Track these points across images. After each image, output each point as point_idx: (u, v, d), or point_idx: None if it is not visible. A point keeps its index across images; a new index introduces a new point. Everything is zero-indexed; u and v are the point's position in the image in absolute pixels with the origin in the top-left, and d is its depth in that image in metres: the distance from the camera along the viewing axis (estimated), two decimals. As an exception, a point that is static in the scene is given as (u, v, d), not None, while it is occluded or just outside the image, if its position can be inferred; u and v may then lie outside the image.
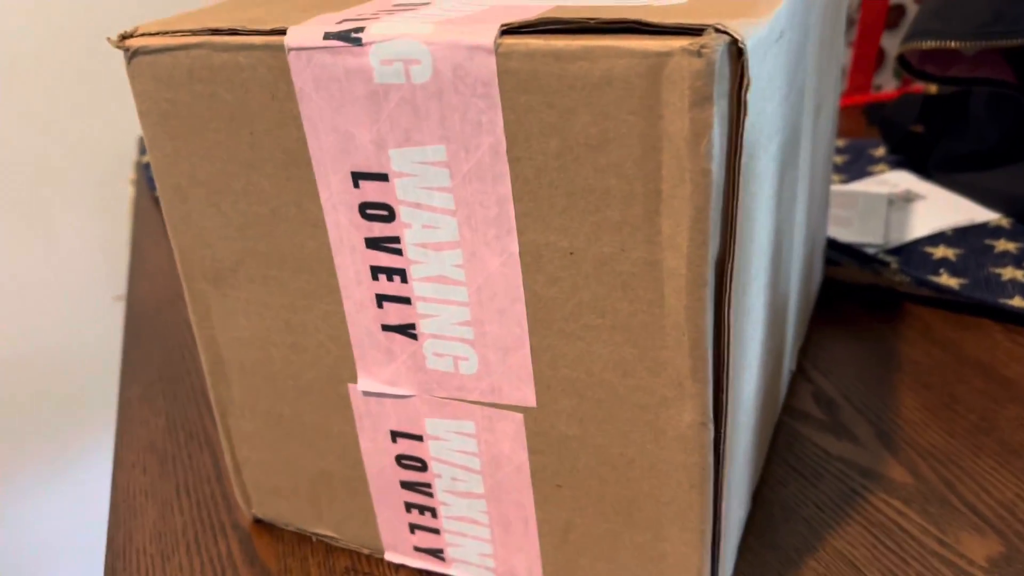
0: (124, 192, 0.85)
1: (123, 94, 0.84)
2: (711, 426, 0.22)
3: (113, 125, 0.84)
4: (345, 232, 0.24)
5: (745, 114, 0.19)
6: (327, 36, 0.21)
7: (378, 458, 0.28)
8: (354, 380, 0.27)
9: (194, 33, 0.23)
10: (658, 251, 0.20)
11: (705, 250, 0.20)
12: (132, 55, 0.24)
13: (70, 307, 0.88)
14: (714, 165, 0.19)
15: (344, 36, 0.21)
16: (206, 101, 0.24)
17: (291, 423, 0.29)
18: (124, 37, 0.24)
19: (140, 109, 0.25)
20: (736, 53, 0.18)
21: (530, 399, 0.24)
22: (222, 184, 0.25)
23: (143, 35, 0.24)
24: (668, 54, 0.18)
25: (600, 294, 0.22)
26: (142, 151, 0.75)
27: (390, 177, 0.23)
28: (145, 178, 0.69)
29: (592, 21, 0.19)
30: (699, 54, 0.18)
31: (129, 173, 0.85)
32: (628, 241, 0.21)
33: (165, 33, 0.24)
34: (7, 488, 0.91)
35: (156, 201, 0.65)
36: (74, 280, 0.87)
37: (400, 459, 0.27)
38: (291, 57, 0.22)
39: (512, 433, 0.25)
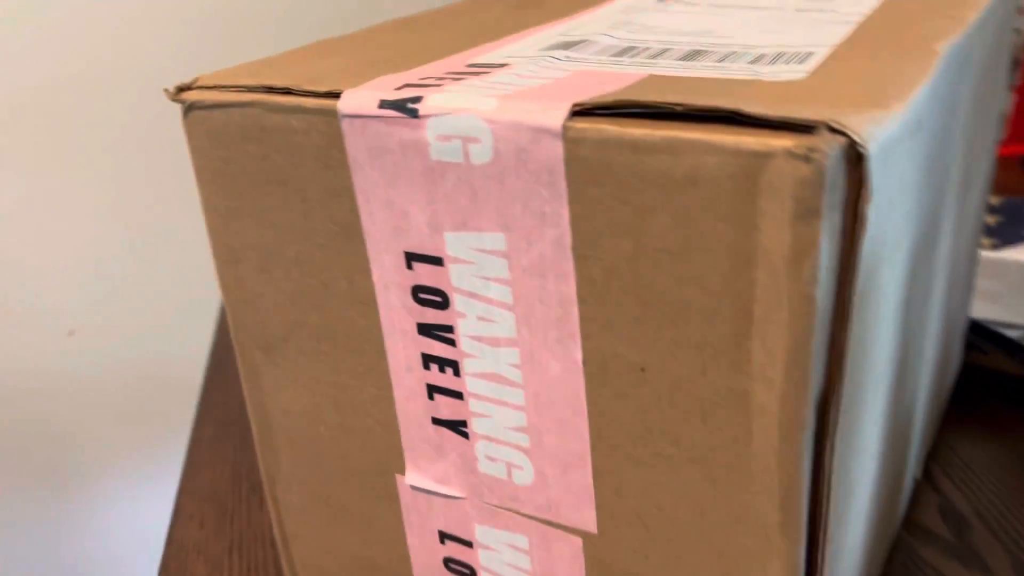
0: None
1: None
2: (802, 585, 0.18)
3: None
4: (397, 315, 0.22)
5: (863, 229, 0.15)
6: (383, 104, 0.19)
7: (425, 557, 0.25)
8: (402, 471, 0.24)
9: (248, 90, 0.21)
10: (746, 381, 0.17)
11: (804, 388, 0.16)
12: (187, 109, 0.22)
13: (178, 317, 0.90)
14: (819, 291, 0.15)
15: (400, 106, 0.19)
16: (258, 163, 0.22)
17: (338, 505, 0.26)
18: (181, 89, 0.23)
19: (195, 165, 0.23)
20: (855, 158, 0.15)
21: (590, 524, 0.21)
22: (275, 250, 0.23)
23: (200, 88, 0.22)
24: (768, 155, 0.15)
25: (675, 420, 0.18)
26: None
27: (445, 262, 0.20)
28: None
29: (679, 107, 0.16)
30: (807, 159, 0.14)
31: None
32: (710, 364, 0.17)
33: (221, 88, 0.22)
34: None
35: None
36: (184, 295, 0.89)
37: (448, 562, 0.25)
38: (345, 124, 0.20)
39: (569, 557, 0.22)
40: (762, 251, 0.16)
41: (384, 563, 0.26)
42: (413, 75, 0.21)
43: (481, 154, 0.18)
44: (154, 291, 0.87)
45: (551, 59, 0.21)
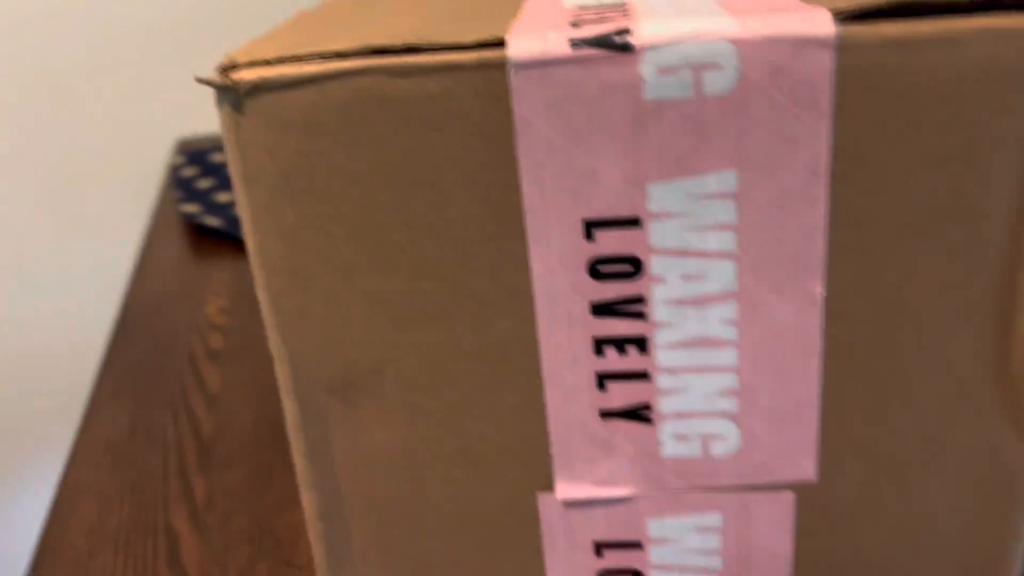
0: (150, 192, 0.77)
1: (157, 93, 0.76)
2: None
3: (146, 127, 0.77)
4: (562, 299, 0.19)
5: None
6: (577, 43, 0.16)
7: (571, 580, 0.22)
8: (548, 488, 0.21)
9: (355, 55, 0.17)
10: (1017, 279, 0.17)
11: (1078, 261, 0.17)
12: (244, 94, 0.17)
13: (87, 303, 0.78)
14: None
15: (604, 42, 0.16)
16: (366, 149, 0.17)
17: (441, 563, 0.22)
18: (227, 68, 0.17)
19: (246, 170, 0.18)
20: None
21: (809, 472, 0.20)
22: (376, 261, 0.18)
23: (259, 64, 0.17)
24: (1078, 28, 0.15)
25: (932, 332, 0.18)
26: (177, 151, 0.69)
27: (643, 221, 0.18)
28: (174, 180, 0.63)
29: (961, -2, 0.16)
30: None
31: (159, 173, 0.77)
32: (977, 265, 0.17)
33: (299, 59, 0.17)
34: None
35: (176, 204, 0.62)
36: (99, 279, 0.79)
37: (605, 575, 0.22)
38: (517, 77, 0.16)
39: (775, 518, 0.20)
40: (1053, 131, 0.16)
41: (506, 608, 0.23)
42: (553, 16, 0.18)
43: (720, 82, 0.16)
44: (67, 283, 0.79)
45: (660, -5, 0.20)
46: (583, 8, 0.19)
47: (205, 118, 0.77)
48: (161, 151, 0.77)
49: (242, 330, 0.44)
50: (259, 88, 0.17)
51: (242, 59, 0.17)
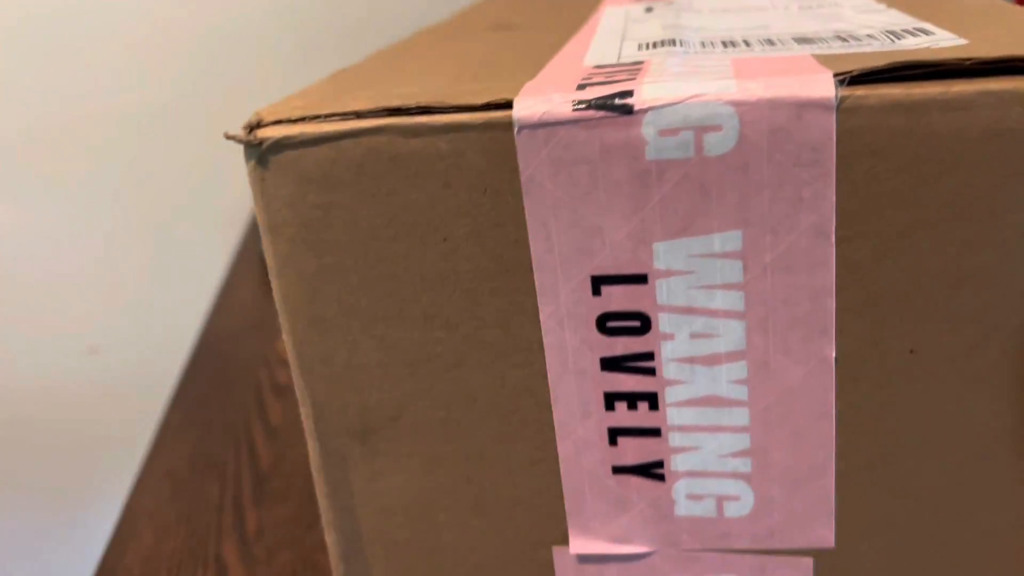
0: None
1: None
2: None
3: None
4: (572, 354, 0.19)
5: None
6: (579, 105, 0.16)
7: (587, 635, 0.22)
8: (563, 542, 0.21)
9: (370, 115, 0.18)
10: (1036, 338, 0.16)
11: (1106, 331, 0.16)
12: (268, 150, 0.18)
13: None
14: None
15: (606, 103, 0.16)
16: (380, 202, 0.18)
17: (459, 606, 0.22)
18: (253, 127, 0.18)
19: (271, 221, 0.19)
20: None
21: (826, 539, 0.19)
22: (391, 309, 0.19)
23: (283, 122, 0.18)
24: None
25: (946, 398, 0.17)
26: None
27: (650, 278, 0.18)
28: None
29: (968, 61, 0.15)
30: None
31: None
32: (991, 328, 0.17)
33: (318, 118, 0.18)
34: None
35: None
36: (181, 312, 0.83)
37: (620, 633, 0.22)
38: (521, 137, 0.17)
39: (793, 583, 0.20)
40: (1072, 195, 0.15)
41: (522, 660, 0.22)
42: (561, 77, 0.18)
43: (720, 143, 0.16)
44: (170, 306, 0.84)
45: (681, 52, 0.20)
46: (599, 68, 0.19)
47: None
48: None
49: (307, 366, 0.45)
50: (281, 145, 0.18)
51: (268, 117, 0.18)
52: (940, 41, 0.18)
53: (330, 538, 0.22)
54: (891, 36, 0.19)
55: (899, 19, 0.22)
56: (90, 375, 0.84)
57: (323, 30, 0.80)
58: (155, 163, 0.80)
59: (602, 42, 0.23)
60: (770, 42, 0.20)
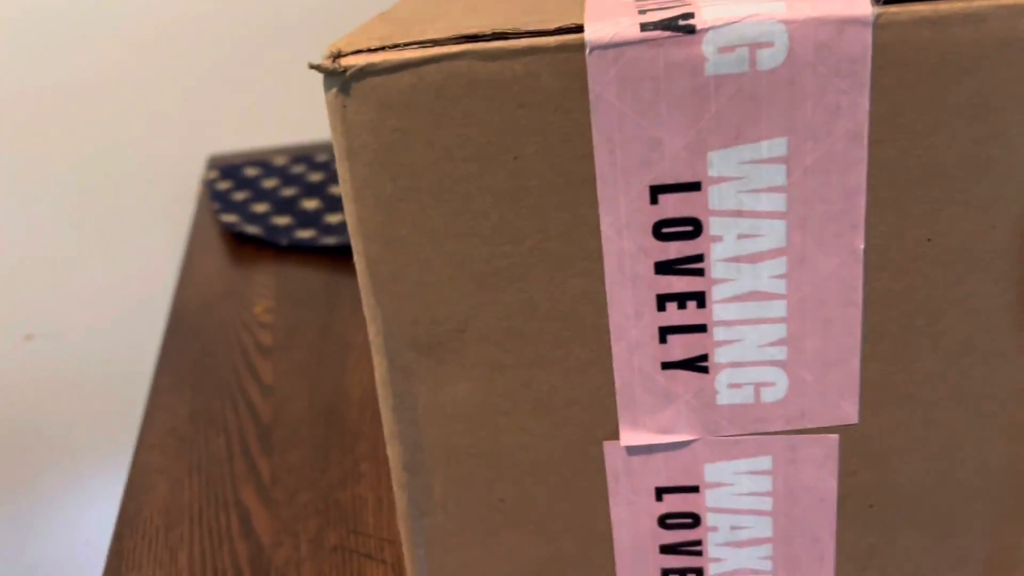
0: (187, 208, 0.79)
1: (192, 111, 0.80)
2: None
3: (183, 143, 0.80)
4: (629, 259, 0.21)
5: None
6: (646, 27, 0.18)
7: (633, 525, 0.24)
8: (613, 436, 0.23)
9: (449, 41, 0.19)
10: (1033, 222, 0.19)
11: (1090, 213, 0.19)
12: (351, 77, 0.19)
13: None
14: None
15: (670, 25, 0.18)
16: (456, 125, 0.20)
17: (514, 509, 0.24)
18: (337, 56, 0.20)
19: (350, 147, 0.20)
20: None
21: (851, 415, 0.22)
22: (462, 226, 0.21)
23: (362, 51, 0.19)
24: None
25: (958, 279, 0.20)
26: (209, 167, 0.72)
27: (703, 185, 0.20)
28: (211, 193, 0.67)
29: (981, -20, 0.18)
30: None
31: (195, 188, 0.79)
32: (998, 218, 0.19)
33: (399, 46, 0.19)
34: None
35: (214, 215, 0.65)
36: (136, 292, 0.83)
37: (664, 519, 0.24)
38: (592, 58, 0.19)
39: (821, 459, 0.22)
40: (1065, 95, 0.18)
41: (572, 554, 0.25)
42: (619, 5, 0.20)
43: (771, 58, 0.18)
44: (108, 293, 0.83)
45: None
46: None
47: (234, 136, 0.80)
48: (194, 167, 0.79)
49: (289, 328, 0.46)
50: (364, 72, 0.19)
51: (346, 48, 0.20)
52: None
53: (393, 450, 0.24)
54: None
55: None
56: (34, 361, 0.82)
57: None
58: (98, 143, 0.79)
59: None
60: None
